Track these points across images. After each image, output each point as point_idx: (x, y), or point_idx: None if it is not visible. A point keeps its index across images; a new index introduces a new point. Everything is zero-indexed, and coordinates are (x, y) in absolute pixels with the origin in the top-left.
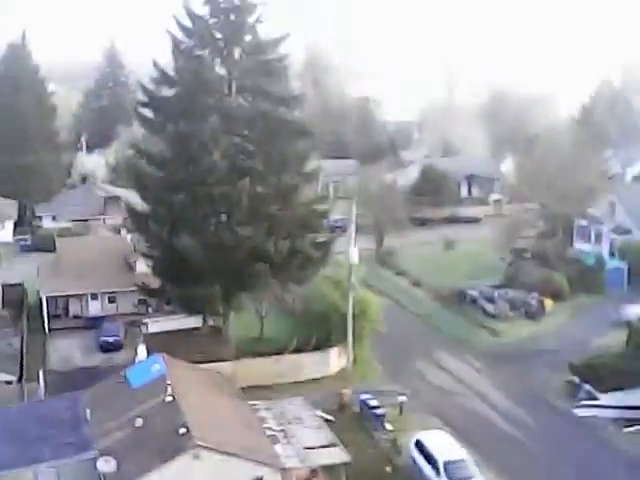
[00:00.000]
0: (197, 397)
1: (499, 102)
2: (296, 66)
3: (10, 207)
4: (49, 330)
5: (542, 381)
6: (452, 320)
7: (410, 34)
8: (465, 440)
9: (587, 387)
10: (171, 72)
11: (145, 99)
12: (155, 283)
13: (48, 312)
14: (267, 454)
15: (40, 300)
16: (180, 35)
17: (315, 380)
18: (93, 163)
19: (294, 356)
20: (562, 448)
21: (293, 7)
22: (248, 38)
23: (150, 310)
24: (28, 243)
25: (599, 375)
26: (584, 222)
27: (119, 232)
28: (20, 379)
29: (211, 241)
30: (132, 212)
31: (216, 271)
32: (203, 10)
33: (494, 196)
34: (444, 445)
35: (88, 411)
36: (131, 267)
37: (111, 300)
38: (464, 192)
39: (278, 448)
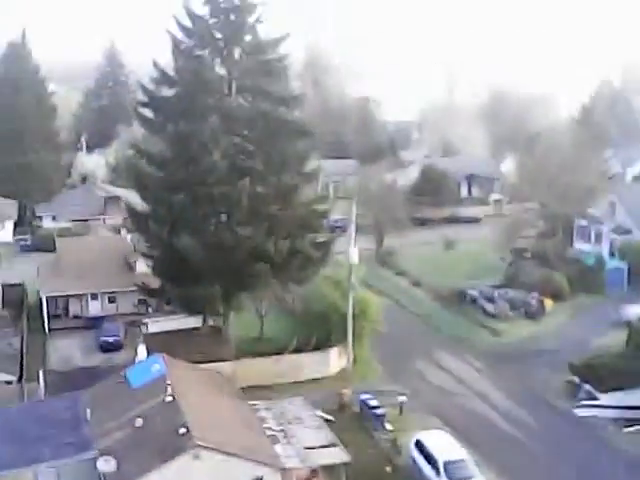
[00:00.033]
0: (197, 397)
1: (499, 102)
2: (296, 66)
3: (10, 207)
4: (49, 330)
5: (542, 381)
6: (452, 320)
7: (410, 34)
8: (465, 440)
9: (587, 387)
10: (171, 72)
11: (145, 99)
12: (155, 283)
13: (48, 312)
14: (267, 454)
15: (40, 300)
16: (180, 35)
17: (315, 380)
18: (93, 163)
19: (294, 356)
20: (562, 448)
21: (293, 7)
22: (248, 38)
23: (150, 310)
24: (28, 243)
25: (599, 375)
26: (584, 222)
27: (119, 232)
28: (20, 379)
29: (211, 241)
30: (132, 212)
31: (216, 271)
32: (203, 10)
33: (494, 196)
34: (444, 445)
35: (88, 411)
36: (131, 267)
37: (111, 300)
38: (464, 192)
39: (278, 448)
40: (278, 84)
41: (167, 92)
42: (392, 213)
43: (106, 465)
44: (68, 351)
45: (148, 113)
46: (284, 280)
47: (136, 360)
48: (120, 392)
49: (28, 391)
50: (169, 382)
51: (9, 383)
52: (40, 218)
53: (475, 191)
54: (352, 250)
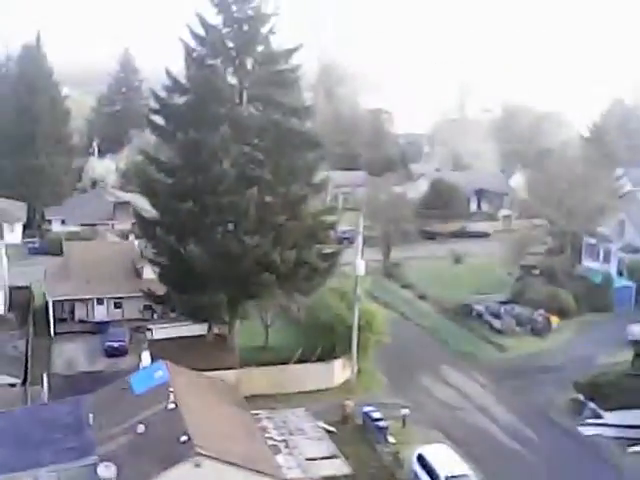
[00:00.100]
0: (200, 405)
1: (511, 117)
2: (309, 76)
3: (20, 210)
4: (54, 334)
5: (547, 398)
6: (458, 334)
7: (425, 48)
8: (468, 455)
9: (592, 405)
10: (183, 80)
11: (157, 106)
12: (161, 290)
13: (54, 315)
14: (268, 464)
15: (46, 303)
16: (193, 43)
17: (319, 391)
18: (104, 168)
19: (298, 366)
20: (565, 466)
21: (308, 18)
22: (261, 48)
23: (156, 316)
24: (36, 246)
25: (604, 393)
26: (593, 240)
27: (127, 238)
28: (24, 382)
29: (218, 249)
30: (140, 218)
31: (222, 279)
32: (216, 19)
33: (503, 211)
34: (446, 460)
35: (91, 416)
36: (138, 273)
37: (117, 305)
38: (473, 207)
39: (279, 458)
40: (290, 94)
41: (179, 100)
42: (400, 226)
43: (106, 471)
44: (73, 355)
45: (159, 120)
46: (290, 290)
47: (140, 366)
48: (123, 398)
49: (32, 394)
50: (172, 389)
51: (13, 386)
52: (49, 221)
53: (484, 206)
54: (359, 262)
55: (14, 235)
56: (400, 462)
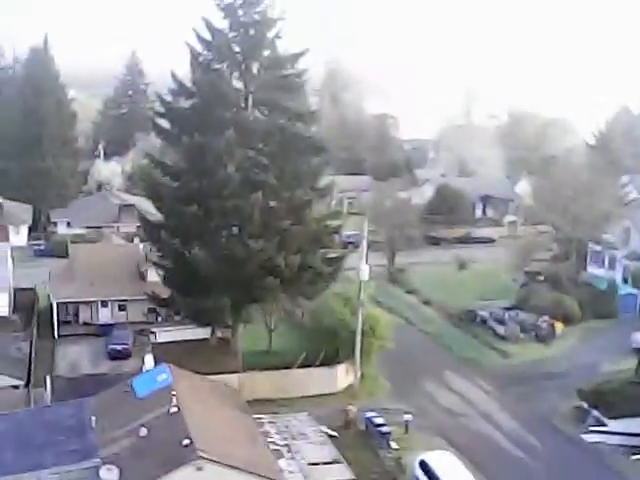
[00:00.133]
0: (202, 408)
1: (517, 123)
2: (315, 81)
3: (25, 212)
4: (58, 336)
5: (550, 405)
6: (461, 340)
7: (432, 54)
8: (470, 462)
9: (595, 413)
10: (189, 84)
11: (162, 110)
12: (165, 293)
13: (58, 318)
14: (270, 469)
15: (51, 305)
16: (199, 47)
17: (322, 396)
18: (110, 171)
19: (302, 371)
20: (568, 474)
21: (314, 23)
22: (267, 53)
23: (160, 319)
24: (42, 248)
25: (608, 401)
26: (598, 247)
27: (132, 240)
28: (27, 384)
29: (222, 253)
30: (145, 221)
31: (226, 283)
32: (223, 24)
33: (509, 217)
34: (449, 466)
35: (93, 419)
36: (142, 276)
37: (121, 308)
38: (479, 212)
39: (282, 463)
40: (295, 99)
41: (184, 103)
42: (405, 231)
43: (108, 474)
44: (76, 357)
45: (165, 124)
46: (294, 294)
47: (143, 369)
48: (126, 401)
49: (35, 396)
50: (175, 392)
51: (16, 388)
52: (55, 224)
53: (490, 212)
54: (363, 267)
55: (20, 237)
56: (402, 468)
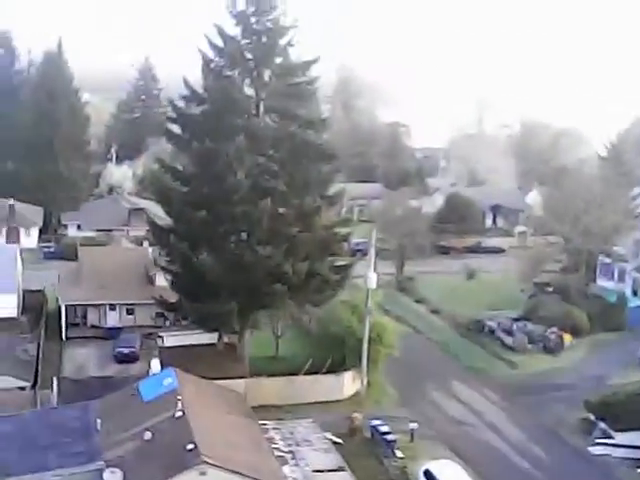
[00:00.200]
0: (207, 413)
1: (528, 133)
2: (327, 88)
3: (36, 214)
4: (66, 338)
5: (557, 416)
6: (469, 349)
7: (444, 63)
8: (475, 472)
9: (602, 425)
10: (200, 90)
11: (173, 115)
12: (173, 297)
13: (66, 320)
14: (274, 475)
15: (59, 308)
16: (211, 54)
17: (328, 403)
18: (121, 174)
19: (308, 377)
20: None
21: (327, 31)
22: (279, 60)
23: (167, 323)
24: (52, 250)
25: (615, 413)
26: (608, 259)
27: (141, 244)
28: (34, 385)
29: (230, 259)
30: (154, 226)
31: (234, 289)
32: (235, 30)
33: (519, 228)
34: (453, 476)
35: (99, 421)
36: (151, 280)
37: (129, 312)
38: (489, 222)
39: (286, 469)
40: (307, 107)
41: (195, 109)
42: (415, 239)
43: (112, 477)
44: (83, 360)
45: (176, 129)
46: (301, 301)
47: (150, 373)
48: (131, 404)
49: (41, 398)
50: (180, 397)
51: (23, 389)
52: (65, 226)
53: (500, 222)
54: (371, 275)
55: (30, 239)
56: (407, 476)
